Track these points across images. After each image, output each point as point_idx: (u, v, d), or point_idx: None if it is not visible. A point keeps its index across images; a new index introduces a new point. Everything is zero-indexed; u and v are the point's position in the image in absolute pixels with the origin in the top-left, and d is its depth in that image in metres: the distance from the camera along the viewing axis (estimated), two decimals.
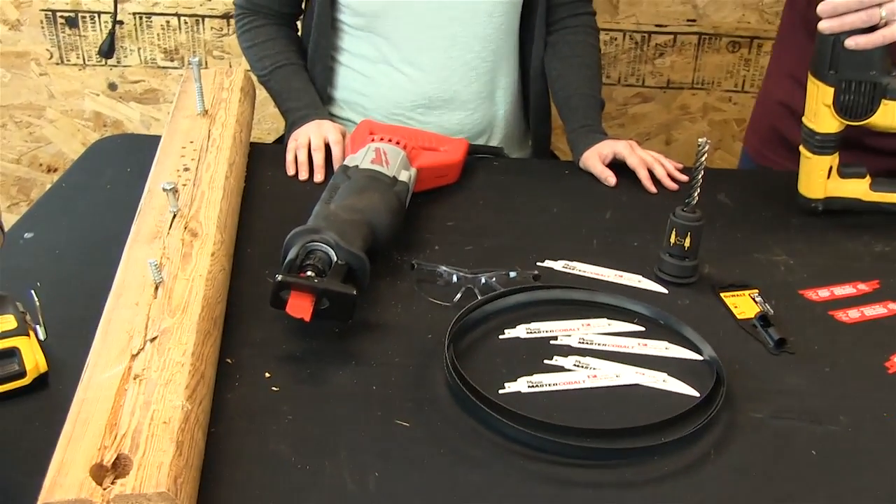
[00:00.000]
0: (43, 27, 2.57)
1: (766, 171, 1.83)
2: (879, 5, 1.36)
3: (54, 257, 1.38)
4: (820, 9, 1.39)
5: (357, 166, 1.43)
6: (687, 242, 1.34)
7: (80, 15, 2.55)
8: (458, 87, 1.82)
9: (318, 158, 1.64)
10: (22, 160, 2.71)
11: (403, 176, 1.44)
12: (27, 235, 1.43)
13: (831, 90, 1.46)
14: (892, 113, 1.45)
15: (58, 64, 2.61)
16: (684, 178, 1.63)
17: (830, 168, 1.53)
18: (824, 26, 1.40)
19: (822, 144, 1.51)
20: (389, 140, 1.53)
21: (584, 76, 1.84)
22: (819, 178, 1.53)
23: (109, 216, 1.42)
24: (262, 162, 1.66)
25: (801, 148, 1.54)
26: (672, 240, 1.34)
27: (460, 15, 1.77)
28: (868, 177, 1.54)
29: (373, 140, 1.53)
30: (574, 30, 1.87)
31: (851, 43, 1.40)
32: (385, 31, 1.78)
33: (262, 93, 1.83)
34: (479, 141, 1.86)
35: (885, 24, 1.37)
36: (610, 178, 1.65)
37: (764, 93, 1.96)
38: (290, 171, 1.65)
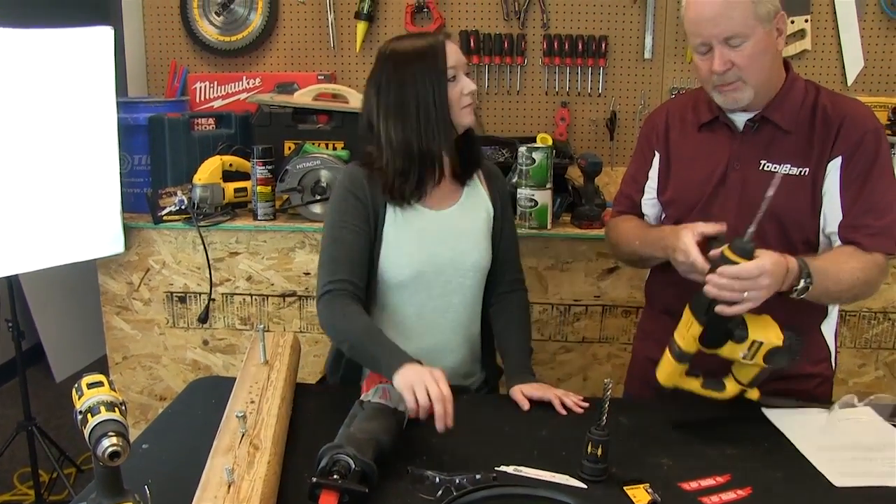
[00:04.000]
0: (164, 303, 2.60)
1: (650, 401, 1.83)
2: (743, 291, 1.38)
3: (162, 462, 1.37)
4: (710, 279, 1.40)
5: (369, 400, 1.42)
6: (599, 452, 1.32)
7: (188, 295, 2.59)
8: (450, 336, 1.81)
9: (441, 404, 1.43)
10: (143, 392, 2.68)
11: (401, 407, 1.44)
12: (144, 446, 1.43)
13: (700, 328, 1.45)
14: (732, 349, 1.46)
15: (171, 327, 2.62)
16: (585, 404, 1.62)
17: (681, 372, 1.52)
18: (710, 291, 1.40)
19: (681, 357, 1.49)
20: (392, 383, 1.52)
21: (519, 334, 1.85)
22: (672, 375, 1.52)
23: (200, 433, 1.40)
24: (304, 397, 1.64)
25: (667, 352, 1.52)
26: (589, 450, 1.33)
27: (455, 288, 1.79)
28: (701, 377, 1.54)
29: (381, 383, 1.52)
30: (512, 300, 1.89)
31: (720, 309, 1.41)
32: (403, 302, 1.78)
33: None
34: (453, 365, 1.81)
35: (744, 301, 1.39)
36: (524, 405, 1.64)
37: (639, 351, 1.95)
38: (412, 406, 1.44)
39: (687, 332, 1.47)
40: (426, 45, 1.69)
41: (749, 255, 1.38)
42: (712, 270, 1.40)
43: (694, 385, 1.54)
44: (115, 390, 1.08)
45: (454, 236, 1.79)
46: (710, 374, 1.55)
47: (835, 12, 2.95)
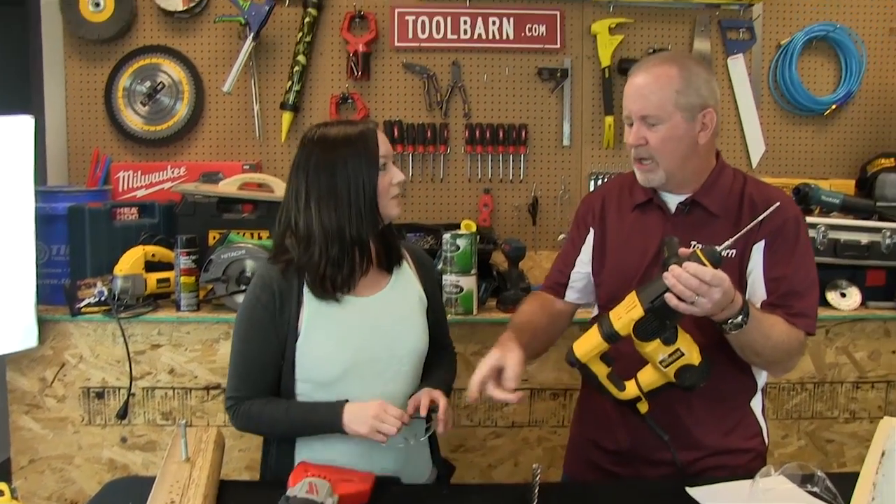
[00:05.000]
0: (79, 399, 2.50)
1: (580, 484, 1.81)
2: (696, 295, 1.42)
3: None
4: (673, 269, 1.44)
5: (296, 496, 1.38)
6: None
7: (106, 390, 2.49)
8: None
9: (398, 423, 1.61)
10: (52, 497, 2.54)
11: (329, 501, 1.40)
12: None
13: (640, 313, 1.48)
14: (656, 349, 1.51)
15: (87, 424, 2.51)
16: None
17: (600, 352, 1.55)
18: (668, 279, 1.44)
19: (609, 336, 1.52)
20: (319, 476, 1.48)
21: (440, 371, 1.85)
22: (591, 352, 1.55)
23: None
24: (229, 494, 1.58)
25: (595, 327, 1.54)
26: None
27: (392, 376, 1.73)
28: (610, 368, 1.57)
29: (307, 475, 1.47)
30: (442, 357, 1.89)
31: (669, 297, 1.44)
32: (337, 394, 1.69)
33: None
34: (400, 464, 1.73)
35: (692, 305, 1.44)
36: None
37: (576, 432, 1.96)
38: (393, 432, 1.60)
39: (626, 314, 1.50)
40: (358, 131, 1.69)
41: (716, 264, 1.44)
42: (678, 263, 1.44)
43: (601, 371, 1.57)
44: (17, 499, 1.01)
45: (386, 322, 1.74)
46: (618, 366, 1.59)
47: (735, 101, 3.14)
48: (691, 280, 1.42)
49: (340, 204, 1.65)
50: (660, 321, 1.49)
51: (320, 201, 1.66)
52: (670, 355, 1.51)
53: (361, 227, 1.67)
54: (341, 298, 1.70)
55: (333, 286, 1.67)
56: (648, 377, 1.57)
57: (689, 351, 1.52)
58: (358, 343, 1.70)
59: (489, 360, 1.60)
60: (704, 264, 1.43)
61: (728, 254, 1.66)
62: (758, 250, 1.68)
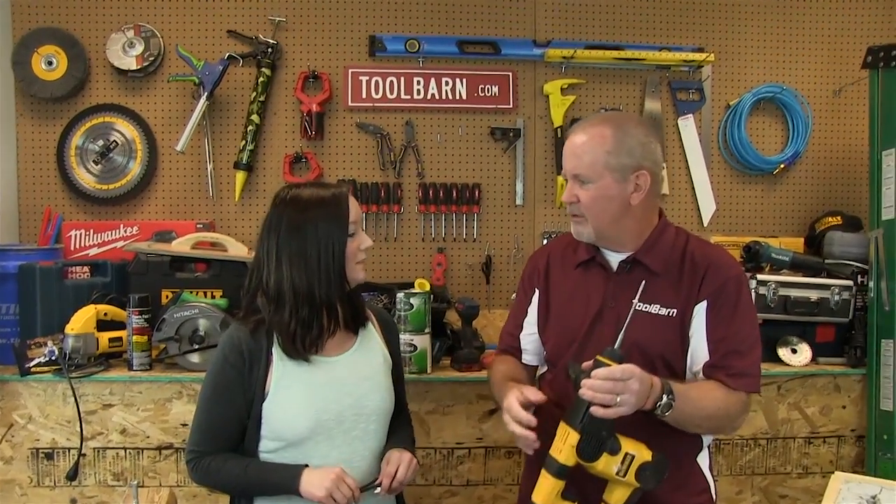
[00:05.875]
0: (28, 461, 2.54)
1: None
2: (616, 395, 1.51)
3: None
4: (585, 382, 1.53)
5: None
6: None
7: (55, 451, 2.54)
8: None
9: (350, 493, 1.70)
10: None
11: None
12: None
13: (577, 436, 1.55)
14: (607, 462, 1.57)
15: (35, 486, 2.55)
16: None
17: (558, 491, 1.60)
18: (585, 394, 1.53)
19: (559, 472, 1.58)
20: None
21: (400, 431, 1.95)
22: (550, 495, 1.60)
23: None
24: None
25: (544, 471, 1.60)
26: None
27: (359, 435, 1.82)
28: (577, 502, 1.62)
29: None
30: (403, 417, 1.99)
31: (595, 409, 1.52)
32: (304, 457, 1.78)
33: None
34: None
35: (617, 405, 1.52)
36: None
37: (525, 490, 1.97)
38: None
39: (564, 443, 1.57)
40: (330, 195, 1.78)
41: (620, 361, 1.54)
42: (587, 376, 1.54)
43: None
44: None
45: (352, 381, 1.83)
46: (584, 501, 1.63)
47: (686, 160, 3.32)
48: (605, 384, 1.52)
49: (310, 265, 1.74)
50: (597, 436, 1.56)
51: (291, 261, 1.75)
52: (622, 462, 1.57)
53: (330, 289, 1.76)
54: (310, 358, 1.79)
55: (304, 346, 1.77)
56: (615, 496, 1.62)
57: (638, 450, 1.59)
58: (325, 402, 1.79)
59: (515, 396, 1.69)
60: (609, 366, 1.54)
61: (669, 313, 1.76)
62: (700, 311, 1.76)
